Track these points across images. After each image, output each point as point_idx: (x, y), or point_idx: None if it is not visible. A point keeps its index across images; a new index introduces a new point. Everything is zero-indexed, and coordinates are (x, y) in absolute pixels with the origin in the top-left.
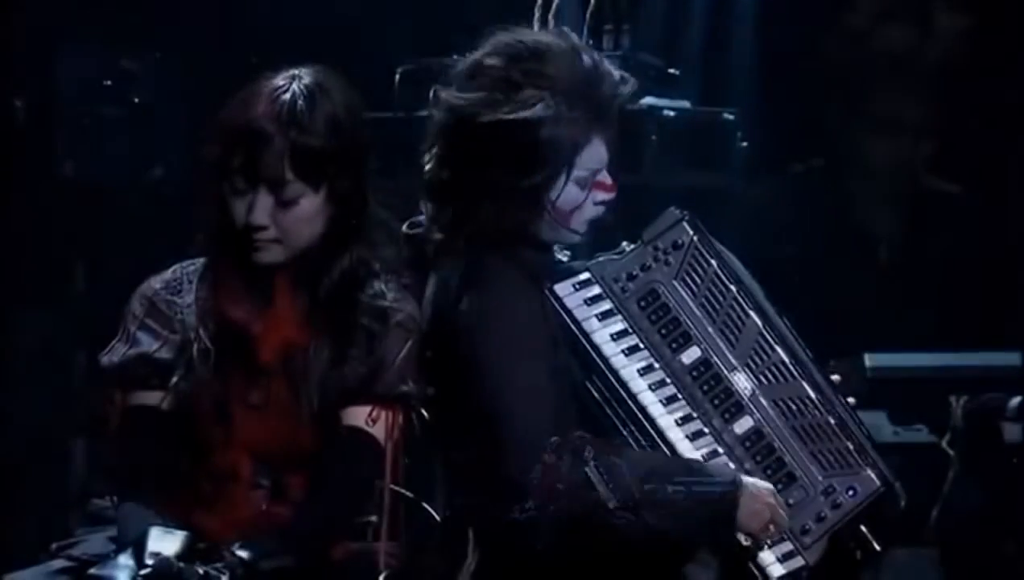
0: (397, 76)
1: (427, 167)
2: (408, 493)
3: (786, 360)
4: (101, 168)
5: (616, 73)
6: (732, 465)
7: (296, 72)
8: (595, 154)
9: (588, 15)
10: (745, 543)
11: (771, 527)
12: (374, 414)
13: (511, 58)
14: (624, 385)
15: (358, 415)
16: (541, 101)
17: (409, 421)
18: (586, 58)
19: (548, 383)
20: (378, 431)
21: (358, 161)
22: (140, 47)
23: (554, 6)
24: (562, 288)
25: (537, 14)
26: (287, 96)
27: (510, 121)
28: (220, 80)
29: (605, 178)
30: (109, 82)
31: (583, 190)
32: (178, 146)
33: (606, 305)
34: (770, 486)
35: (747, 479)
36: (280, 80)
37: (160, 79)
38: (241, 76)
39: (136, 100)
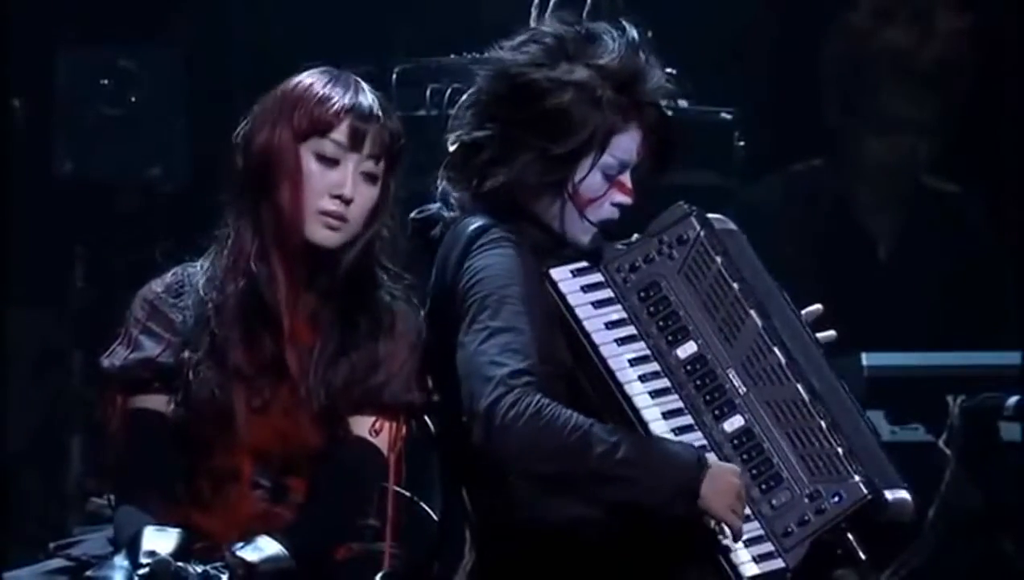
0: (394, 76)
1: (459, 131)
2: (407, 493)
3: (782, 362)
4: (100, 168)
5: (663, 77)
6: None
7: (332, 69)
8: (627, 146)
9: (585, 14)
10: (716, 530)
11: (736, 507)
12: (378, 425)
13: (568, 34)
14: (612, 374)
15: (362, 425)
16: (588, 75)
17: (409, 424)
18: (641, 54)
19: (524, 329)
20: (382, 442)
21: (401, 164)
22: (140, 47)
23: (551, 5)
24: (558, 272)
25: (534, 13)
26: (365, 86)
27: (555, 81)
28: (220, 80)
29: (626, 180)
30: (108, 82)
31: (606, 182)
32: (178, 146)
33: (605, 293)
34: (735, 467)
35: (713, 459)
36: (338, 75)
37: (160, 79)
38: (241, 76)
39: (135, 100)
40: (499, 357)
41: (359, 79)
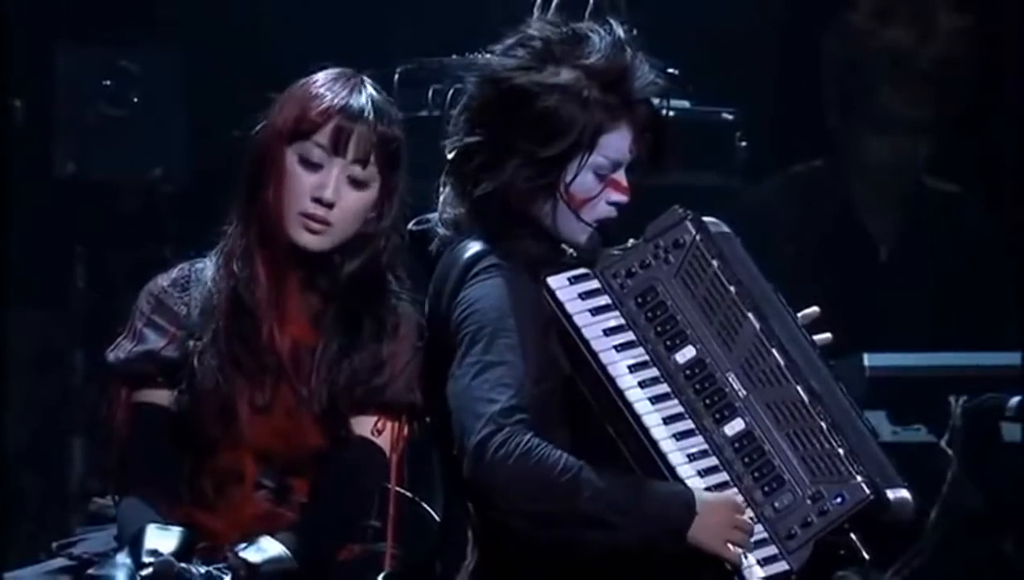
0: (396, 76)
1: (454, 137)
2: (408, 493)
3: (781, 363)
4: (101, 168)
5: (652, 74)
6: (721, 466)
7: (345, 71)
8: (618, 144)
9: (587, 15)
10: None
11: (736, 539)
12: (380, 424)
13: (555, 36)
14: (612, 380)
15: (364, 425)
16: (574, 76)
17: (411, 424)
18: (627, 52)
19: (517, 363)
20: (384, 441)
21: (401, 168)
22: (140, 47)
23: (553, 5)
24: (556, 280)
25: (536, 14)
26: (367, 88)
27: (541, 84)
28: (220, 80)
29: (621, 179)
30: (109, 82)
31: (599, 181)
32: (178, 146)
33: (603, 300)
34: (732, 499)
35: (705, 496)
36: (344, 76)
37: (160, 79)
38: (241, 76)
39: (136, 100)
40: (491, 393)
41: (365, 81)
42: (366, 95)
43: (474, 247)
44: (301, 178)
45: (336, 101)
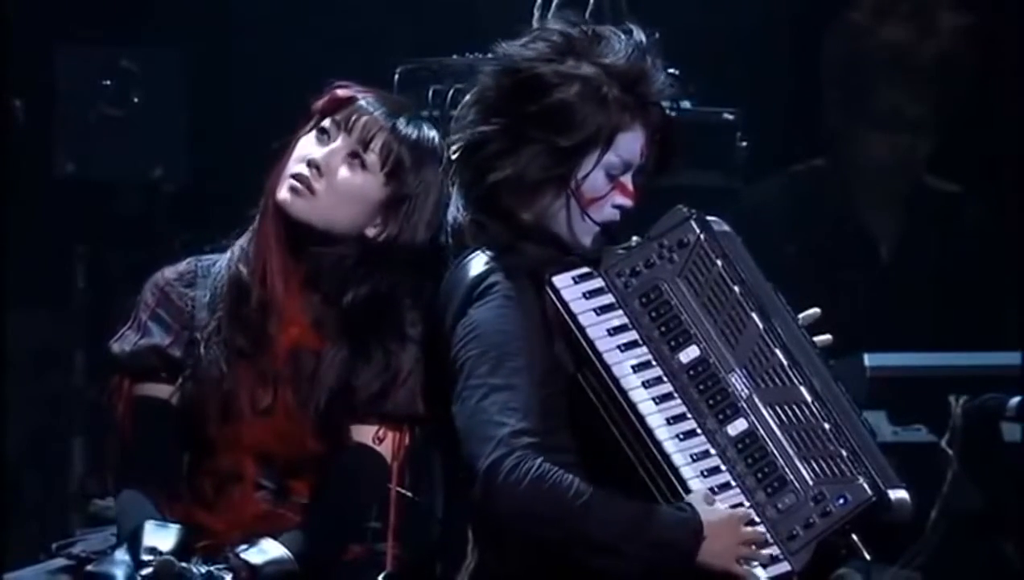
0: (396, 76)
1: (461, 132)
2: (408, 493)
3: (785, 364)
4: (101, 168)
5: (667, 80)
6: (723, 467)
7: (406, 101)
8: (631, 145)
9: (587, 15)
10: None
11: (745, 554)
12: (381, 433)
13: (575, 34)
14: (616, 381)
15: (365, 433)
16: (594, 72)
17: (413, 431)
18: (647, 57)
19: (523, 386)
20: (385, 449)
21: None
22: (140, 47)
23: (553, 6)
24: (560, 280)
25: (537, 14)
26: (408, 116)
27: (562, 74)
28: (220, 80)
29: (628, 182)
30: (109, 82)
31: (608, 182)
32: (178, 146)
33: (607, 299)
34: (737, 516)
35: (711, 518)
36: (397, 100)
37: (160, 79)
38: (241, 76)
39: (137, 100)
40: (498, 416)
41: (414, 116)
42: (397, 114)
43: (478, 266)
44: (307, 146)
45: (364, 97)
